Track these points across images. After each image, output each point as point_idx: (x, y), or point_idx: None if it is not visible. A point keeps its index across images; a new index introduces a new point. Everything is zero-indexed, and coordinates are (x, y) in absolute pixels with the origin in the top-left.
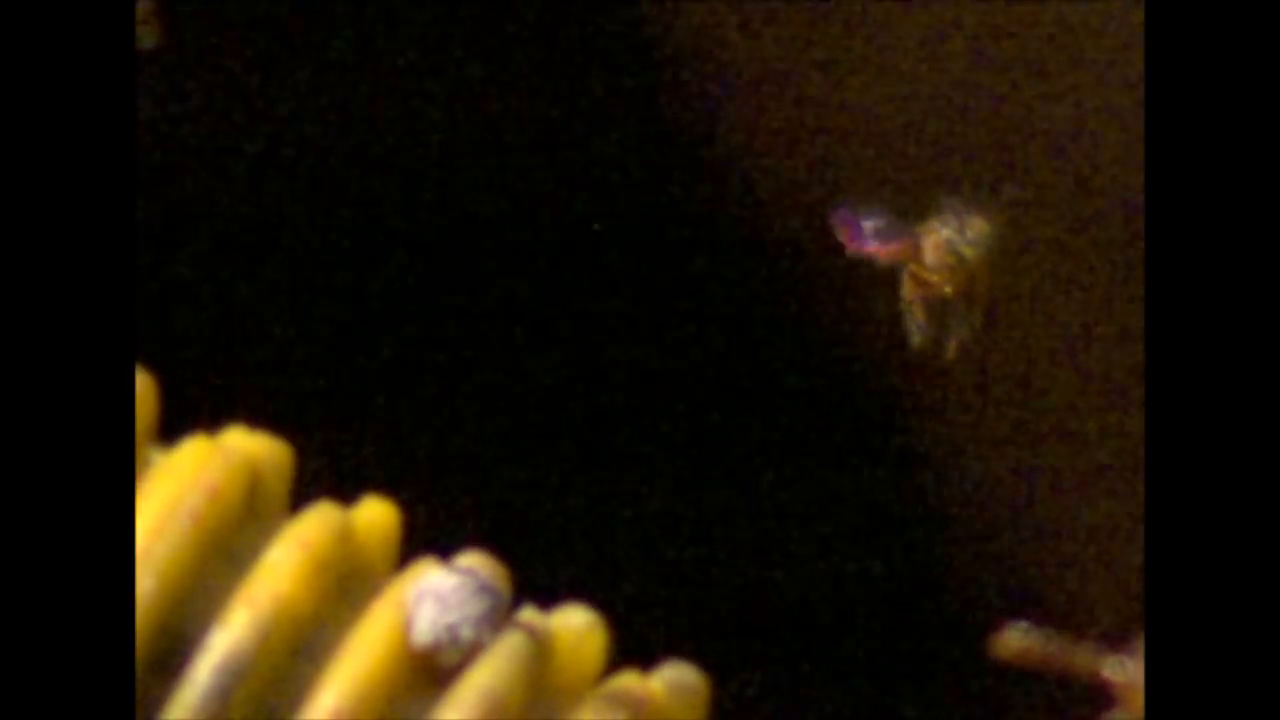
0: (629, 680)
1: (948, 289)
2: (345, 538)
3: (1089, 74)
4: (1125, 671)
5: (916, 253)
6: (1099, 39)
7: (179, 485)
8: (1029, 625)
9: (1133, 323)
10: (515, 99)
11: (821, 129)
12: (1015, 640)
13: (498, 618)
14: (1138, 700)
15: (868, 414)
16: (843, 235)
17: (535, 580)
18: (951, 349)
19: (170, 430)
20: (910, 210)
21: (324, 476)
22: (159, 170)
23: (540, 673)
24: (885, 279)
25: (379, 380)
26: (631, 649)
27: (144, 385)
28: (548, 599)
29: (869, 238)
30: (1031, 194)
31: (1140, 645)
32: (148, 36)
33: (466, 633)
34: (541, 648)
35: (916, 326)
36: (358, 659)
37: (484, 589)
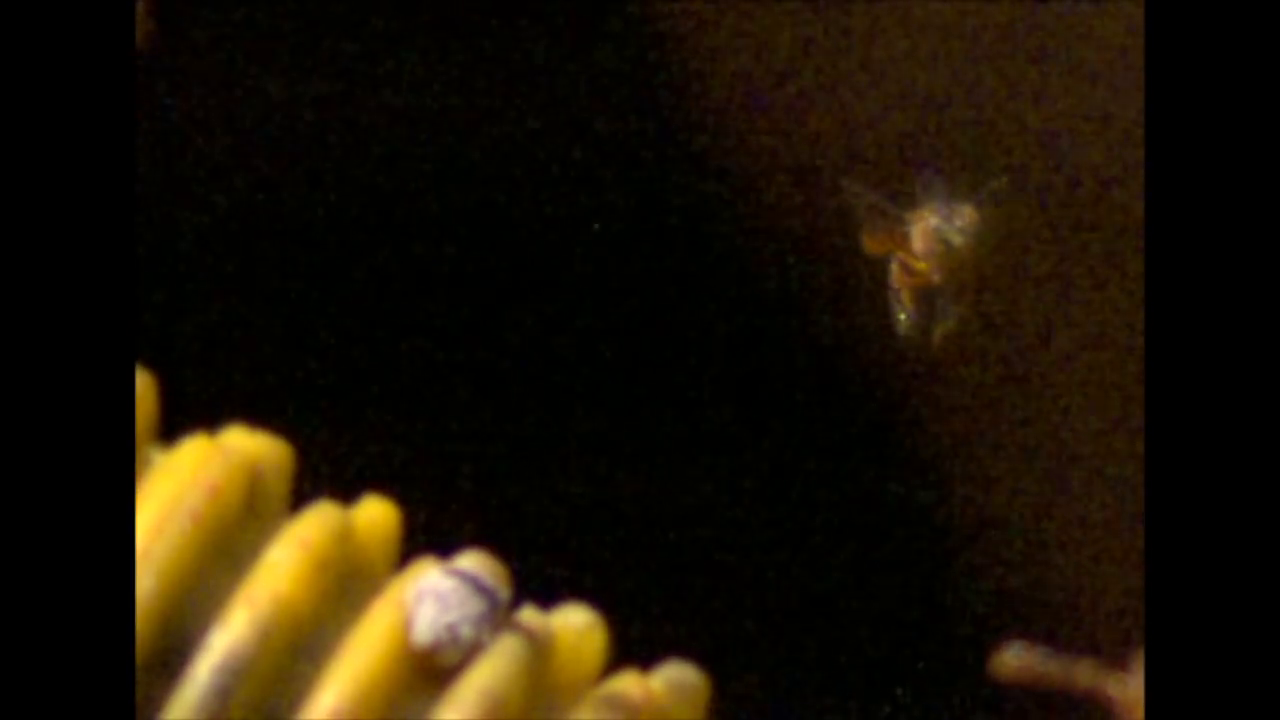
0: (629, 680)
1: (935, 277)
2: (345, 538)
3: (1088, 70)
4: (1125, 687)
5: (905, 241)
6: (1099, 37)
7: (179, 485)
8: (1028, 644)
9: (1132, 320)
10: (515, 98)
11: (813, 121)
12: (1014, 660)
13: (497, 618)
14: (1138, 716)
15: (867, 411)
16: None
17: (535, 580)
18: (938, 337)
19: (170, 430)
20: (900, 198)
21: (324, 476)
22: (159, 170)
23: (540, 673)
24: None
25: (379, 380)
26: (631, 649)
27: (144, 385)
28: (548, 599)
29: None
30: (1026, 186)
31: (1140, 661)
32: (141, 36)
33: (466, 632)
34: (541, 648)
35: (904, 314)
36: (358, 659)
37: (484, 589)
